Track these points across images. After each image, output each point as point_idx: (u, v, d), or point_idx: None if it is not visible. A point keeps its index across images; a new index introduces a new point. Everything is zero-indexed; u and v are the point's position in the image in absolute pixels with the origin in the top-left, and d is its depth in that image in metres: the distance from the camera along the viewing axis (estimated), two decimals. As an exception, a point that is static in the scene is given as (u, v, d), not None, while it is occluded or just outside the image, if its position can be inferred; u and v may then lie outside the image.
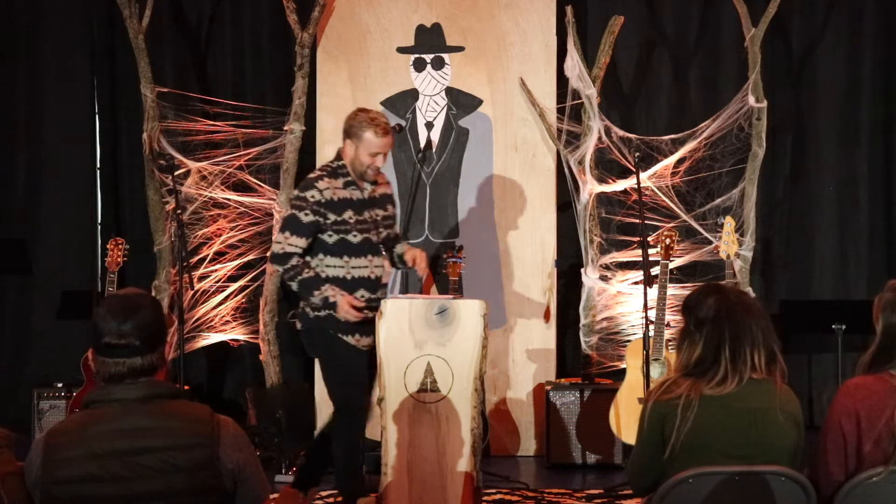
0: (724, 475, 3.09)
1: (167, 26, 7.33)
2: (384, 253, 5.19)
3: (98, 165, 7.45)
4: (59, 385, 6.80)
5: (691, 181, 6.78)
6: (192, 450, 2.73)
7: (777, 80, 7.10)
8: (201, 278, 6.89)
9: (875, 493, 3.09)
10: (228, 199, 6.93)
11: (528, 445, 6.77)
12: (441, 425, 4.79)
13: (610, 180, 6.80)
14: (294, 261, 4.97)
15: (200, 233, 6.91)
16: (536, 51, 6.83)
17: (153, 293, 6.68)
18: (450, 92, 6.91)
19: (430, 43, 6.91)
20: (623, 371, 6.15)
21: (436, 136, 6.92)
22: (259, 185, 6.92)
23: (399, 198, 6.65)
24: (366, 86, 6.91)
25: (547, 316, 6.79)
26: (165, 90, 6.97)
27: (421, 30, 6.91)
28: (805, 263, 7.23)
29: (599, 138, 6.72)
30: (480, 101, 6.88)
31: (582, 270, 6.77)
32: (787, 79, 7.18)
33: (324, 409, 6.81)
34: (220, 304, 6.96)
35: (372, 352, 5.01)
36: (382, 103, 6.88)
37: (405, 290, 6.74)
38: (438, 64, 6.91)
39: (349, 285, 4.99)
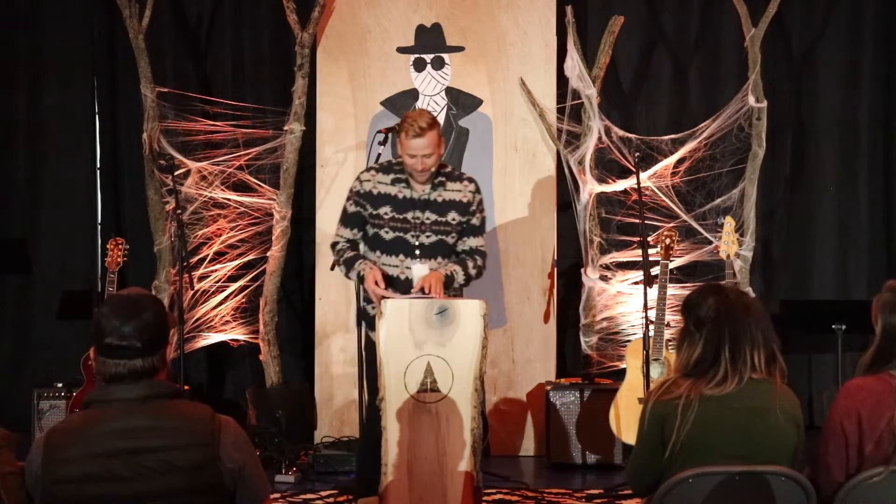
0: (724, 475, 3.09)
1: (167, 26, 7.32)
2: (440, 259, 5.08)
3: (98, 165, 7.44)
4: (59, 385, 6.79)
5: (691, 181, 6.77)
6: (193, 450, 2.73)
7: (777, 80, 7.10)
8: (201, 278, 6.89)
9: (875, 494, 3.09)
10: (228, 199, 6.93)
11: (528, 445, 6.76)
12: (441, 425, 4.78)
13: (610, 180, 6.79)
14: (339, 246, 5.09)
15: (200, 233, 6.91)
16: (536, 51, 6.83)
17: (153, 293, 6.67)
18: (450, 92, 6.90)
19: (430, 43, 6.91)
20: (623, 371, 6.15)
21: (436, 136, 6.91)
22: (259, 185, 6.92)
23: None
24: (366, 86, 6.91)
25: (547, 316, 6.79)
26: (165, 90, 6.97)
27: (421, 30, 6.91)
28: (805, 263, 7.22)
29: (599, 138, 6.72)
30: (480, 101, 6.88)
31: (582, 270, 6.77)
32: (787, 79, 7.18)
33: (324, 408, 6.82)
34: (220, 304, 6.96)
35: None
36: (382, 103, 6.88)
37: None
38: (438, 64, 6.91)
39: None
